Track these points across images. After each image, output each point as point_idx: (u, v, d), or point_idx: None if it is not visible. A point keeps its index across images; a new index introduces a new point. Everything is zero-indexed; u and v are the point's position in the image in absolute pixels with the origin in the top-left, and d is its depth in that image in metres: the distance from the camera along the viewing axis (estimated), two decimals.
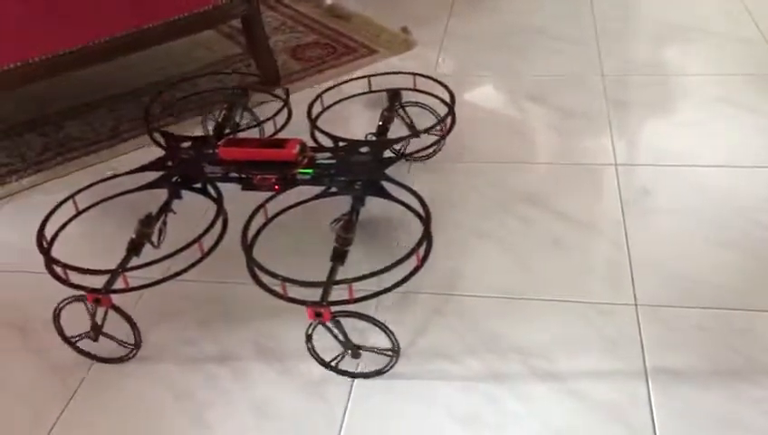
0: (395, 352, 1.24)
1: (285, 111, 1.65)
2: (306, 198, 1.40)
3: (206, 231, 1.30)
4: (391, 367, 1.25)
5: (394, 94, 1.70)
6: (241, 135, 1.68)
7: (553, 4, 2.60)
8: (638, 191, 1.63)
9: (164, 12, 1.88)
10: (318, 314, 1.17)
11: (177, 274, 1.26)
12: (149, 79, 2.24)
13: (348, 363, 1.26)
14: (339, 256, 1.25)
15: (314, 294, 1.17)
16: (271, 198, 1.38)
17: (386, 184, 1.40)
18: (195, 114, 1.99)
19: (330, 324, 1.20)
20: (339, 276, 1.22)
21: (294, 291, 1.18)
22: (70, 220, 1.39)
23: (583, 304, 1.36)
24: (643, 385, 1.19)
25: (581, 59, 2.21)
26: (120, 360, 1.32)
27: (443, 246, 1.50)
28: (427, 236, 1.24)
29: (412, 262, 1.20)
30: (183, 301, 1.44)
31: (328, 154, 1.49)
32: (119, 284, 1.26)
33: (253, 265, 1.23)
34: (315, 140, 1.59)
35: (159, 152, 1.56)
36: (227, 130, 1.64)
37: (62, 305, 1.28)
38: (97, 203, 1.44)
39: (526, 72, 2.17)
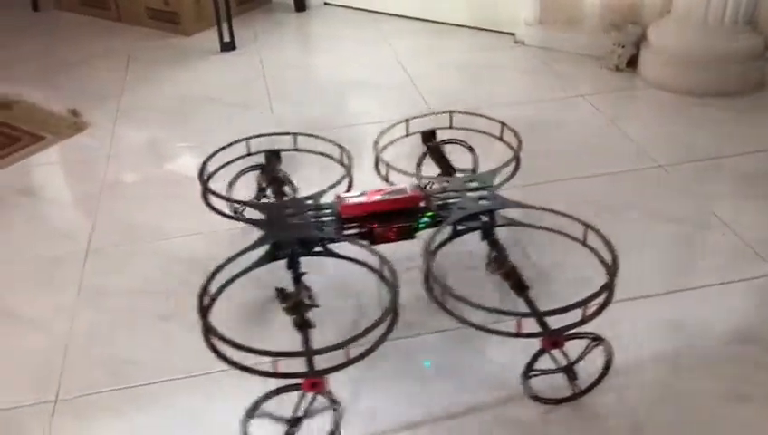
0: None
1: None
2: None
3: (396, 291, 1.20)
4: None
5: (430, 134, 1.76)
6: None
7: (224, 73, 2.66)
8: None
9: None
10: (555, 344, 1.18)
11: (382, 339, 1.15)
12: None
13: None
14: (523, 288, 1.30)
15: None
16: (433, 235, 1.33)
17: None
18: None
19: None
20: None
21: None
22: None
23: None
24: None
25: (257, 121, 2.27)
26: None
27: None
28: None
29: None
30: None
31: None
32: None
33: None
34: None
35: None
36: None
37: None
38: (221, 289, 1.26)
39: (200, 140, 2.16)
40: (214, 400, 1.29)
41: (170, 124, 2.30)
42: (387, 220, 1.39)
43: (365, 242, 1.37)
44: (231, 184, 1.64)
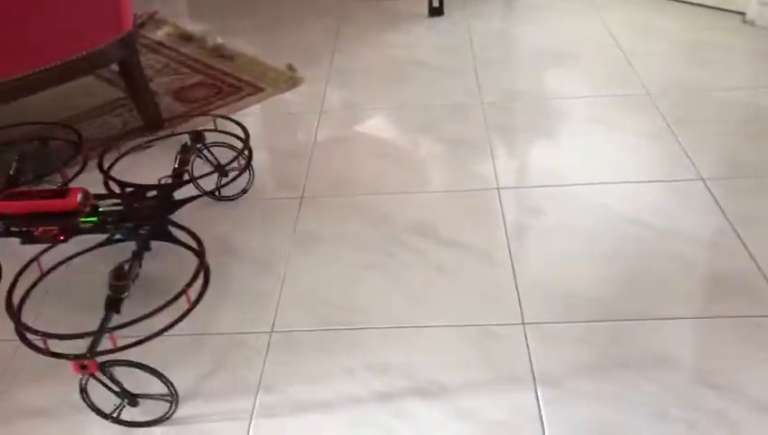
0: (173, 395, 1.23)
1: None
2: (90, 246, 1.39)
3: None
4: (172, 413, 1.24)
5: (197, 136, 1.69)
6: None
7: (433, 39, 2.68)
8: (520, 213, 1.69)
9: (30, 62, 1.81)
10: (83, 367, 1.14)
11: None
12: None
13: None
14: (112, 304, 1.23)
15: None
16: (47, 249, 1.35)
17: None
18: None
19: (100, 376, 1.17)
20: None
21: (67, 345, 1.16)
22: None
23: (472, 327, 1.39)
24: (534, 402, 1.22)
25: (462, 89, 2.28)
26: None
27: (328, 280, 1.51)
28: (196, 277, 1.25)
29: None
30: None
31: (113, 201, 1.47)
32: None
33: (18, 324, 1.20)
34: (108, 189, 1.55)
35: None
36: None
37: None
38: None
39: (409, 103, 2.22)
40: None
41: (379, 85, 2.36)
42: (46, 221, 1.38)
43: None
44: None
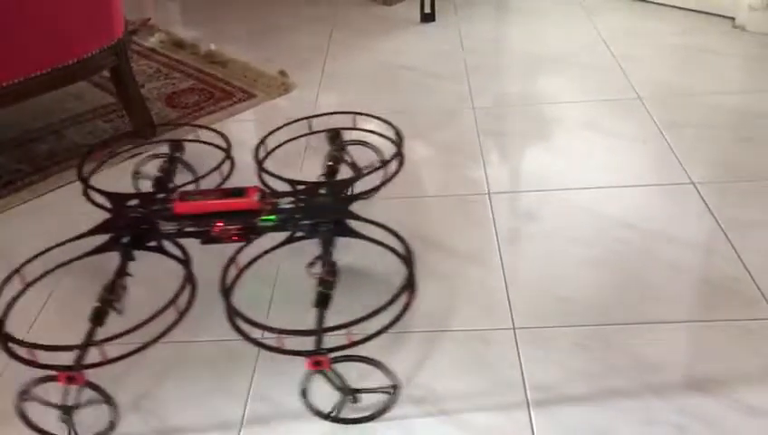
0: (394, 388, 1.22)
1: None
2: (272, 245, 1.36)
3: (181, 290, 1.23)
4: (393, 404, 1.23)
5: (335, 135, 1.68)
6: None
7: (425, 44, 2.68)
8: (511, 218, 1.69)
9: (22, 70, 1.80)
10: (317, 363, 1.13)
11: (156, 339, 1.17)
12: (7, 134, 2.16)
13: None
14: (324, 301, 1.22)
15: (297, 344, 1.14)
16: (241, 248, 1.32)
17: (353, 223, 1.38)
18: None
19: (328, 373, 1.17)
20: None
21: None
22: (20, 294, 1.28)
23: (463, 332, 1.38)
24: (524, 408, 1.22)
25: (454, 94, 2.28)
26: None
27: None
28: (411, 271, 1.24)
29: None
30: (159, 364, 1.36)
31: (288, 199, 1.45)
32: (93, 358, 1.16)
33: (235, 319, 1.18)
34: (265, 185, 1.53)
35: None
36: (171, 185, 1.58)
37: (24, 390, 1.18)
38: (45, 273, 1.32)
39: (401, 108, 2.22)
40: None
41: (371, 91, 2.36)
42: (225, 220, 1.37)
43: (194, 240, 1.36)
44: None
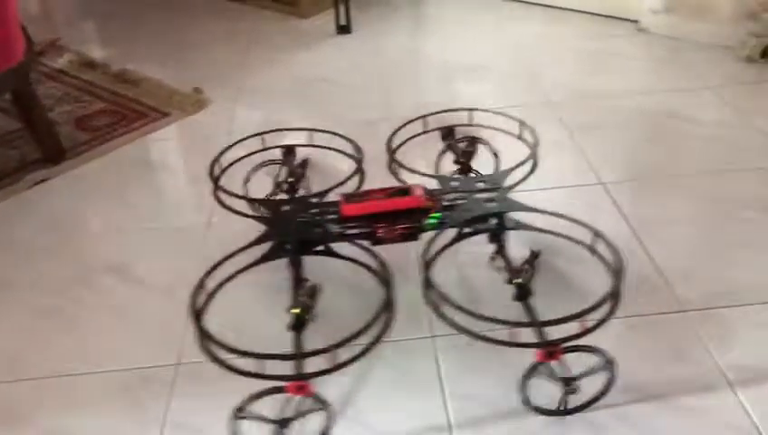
0: (610, 363, 1.20)
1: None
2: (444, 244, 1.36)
3: (390, 295, 1.20)
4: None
5: (449, 131, 1.71)
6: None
7: (342, 56, 2.69)
8: None
9: None
10: (550, 354, 1.14)
11: (376, 340, 1.15)
12: None
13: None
14: (526, 294, 1.27)
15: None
16: (433, 238, 1.31)
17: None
18: None
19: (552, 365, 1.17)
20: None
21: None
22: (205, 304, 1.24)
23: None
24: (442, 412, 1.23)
25: (372, 105, 2.29)
26: None
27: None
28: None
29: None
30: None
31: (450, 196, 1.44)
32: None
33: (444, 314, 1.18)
34: (397, 178, 1.56)
35: None
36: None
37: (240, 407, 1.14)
38: (221, 285, 1.30)
39: (319, 121, 2.20)
40: None
41: (287, 104, 2.35)
42: (390, 220, 1.37)
43: (365, 242, 1.35)
44: (246, 180, 1.64)
